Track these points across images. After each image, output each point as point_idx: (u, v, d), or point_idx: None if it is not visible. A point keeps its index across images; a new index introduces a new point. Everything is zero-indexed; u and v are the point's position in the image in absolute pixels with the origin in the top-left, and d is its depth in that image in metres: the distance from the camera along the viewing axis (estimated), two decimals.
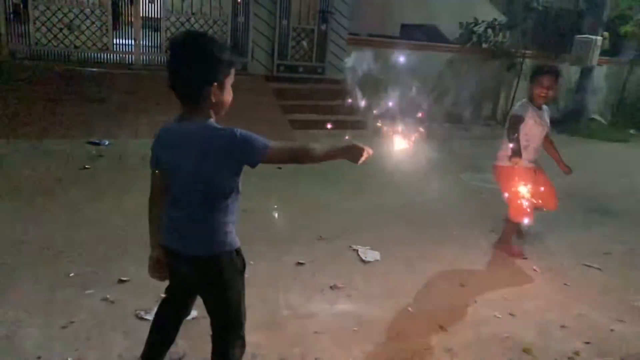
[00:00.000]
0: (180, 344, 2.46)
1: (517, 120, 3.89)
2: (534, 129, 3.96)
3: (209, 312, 2.00)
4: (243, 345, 2.04)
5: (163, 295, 2.13)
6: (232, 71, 1.84)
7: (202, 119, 1.80)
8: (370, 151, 1.98)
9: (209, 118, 1.81)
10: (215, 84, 1.77)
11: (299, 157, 1.93)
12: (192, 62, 1.74)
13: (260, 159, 1.80)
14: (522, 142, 3.94)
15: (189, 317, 2.26)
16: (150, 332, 2.17)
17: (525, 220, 4.02)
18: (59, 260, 3.37)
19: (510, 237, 4.20)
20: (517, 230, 4.26)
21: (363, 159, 1.97)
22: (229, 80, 1.83)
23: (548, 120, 4.12)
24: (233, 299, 1.96)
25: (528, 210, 3.93)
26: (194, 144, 1.78)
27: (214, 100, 1.79)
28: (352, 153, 1.96)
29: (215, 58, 1.75)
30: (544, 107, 4.08)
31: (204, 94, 1.77)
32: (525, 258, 4.12)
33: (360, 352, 2.71)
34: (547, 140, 4.20)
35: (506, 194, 4.04)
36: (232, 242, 1.91)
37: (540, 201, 4.03)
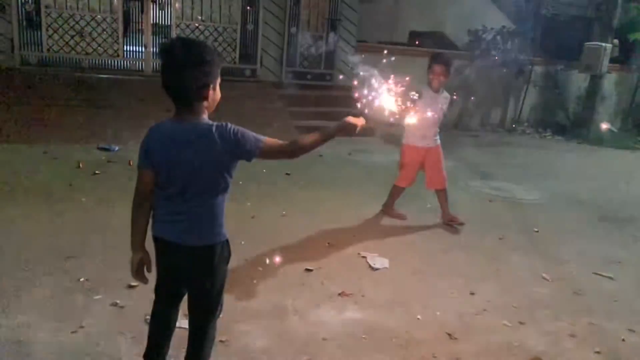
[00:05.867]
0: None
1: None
2: (424, 109, 4.28)
3: (194, 299, 2.13)
4: (215, 328, 2.22)
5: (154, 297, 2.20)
6: (219, 72, 1.96)
7: (196, 117, 1.92)
8: (363, 121, 2.14)
9: (202, 116, 1.94)
10: (210, 85, 1.90)
11: (291, 151, 2.05)
12: (190, 66, 1.85)
13: (255, 152, 1.94)
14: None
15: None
16: (149, 334, 2.24)
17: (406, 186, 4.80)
18: (69, 265, 3.39)
19: (393, 202, 4.87)
20: (399, 195, 4.87)
21: (359, 129, 2.12)
22: (218, 81, 1.97)
23: (445, 107, 4.62)
24: (218, 287, 2.11)
25: (410, 180, 4.73)
26: (192, 140, 1.90)
27: (208, 100, 1.92)
28: (347, 129, 2.11)
29: (209, 61, 1.88)
30: (445, 94, 4.56)
31: (199, 95, 1.89)
32: (405, 219, 4.79)
33: (369, 359, 2.70)
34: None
35: (400, 166, 4.76)
36: (225, 233, 2.06)
37: (428, 178, 4.78)
